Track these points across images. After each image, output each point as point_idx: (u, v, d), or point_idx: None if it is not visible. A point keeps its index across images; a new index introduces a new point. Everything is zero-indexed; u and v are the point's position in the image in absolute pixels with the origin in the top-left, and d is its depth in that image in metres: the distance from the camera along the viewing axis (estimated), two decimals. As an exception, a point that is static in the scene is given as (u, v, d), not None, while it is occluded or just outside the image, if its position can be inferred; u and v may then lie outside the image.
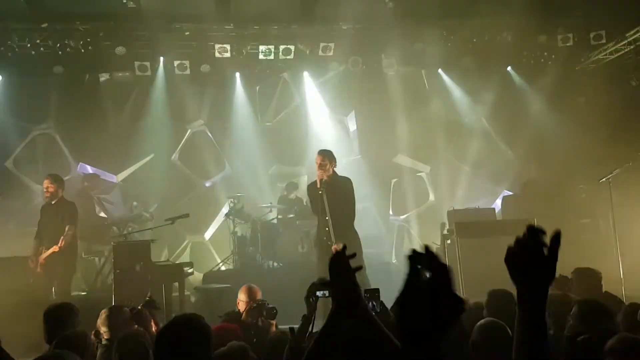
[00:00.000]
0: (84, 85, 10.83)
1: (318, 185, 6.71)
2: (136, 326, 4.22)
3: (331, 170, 6.82)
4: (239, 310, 4.89)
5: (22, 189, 10.43)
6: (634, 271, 7.54)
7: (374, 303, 3.18)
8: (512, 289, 4.34)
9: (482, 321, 3.40)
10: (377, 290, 3.24)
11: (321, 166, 6.71)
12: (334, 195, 6.66)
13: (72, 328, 3.87)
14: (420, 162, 11.88)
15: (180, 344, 2.58)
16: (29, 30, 10.05)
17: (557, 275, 4.75)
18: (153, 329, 4.37)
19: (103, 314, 4.24)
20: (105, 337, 4.02)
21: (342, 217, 6.70)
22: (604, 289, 4.95)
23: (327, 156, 6.82)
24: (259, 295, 4.92)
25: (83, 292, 8.86)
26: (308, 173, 11.63)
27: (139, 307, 4.56)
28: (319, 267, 6.81)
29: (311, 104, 11.72)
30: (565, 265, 5.36)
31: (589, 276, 4.89)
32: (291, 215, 9.93)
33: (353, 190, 6.96)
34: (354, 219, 6.94)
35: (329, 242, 6.54)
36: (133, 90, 11.10)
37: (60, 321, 3.92)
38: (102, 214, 10.05)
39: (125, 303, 4.98)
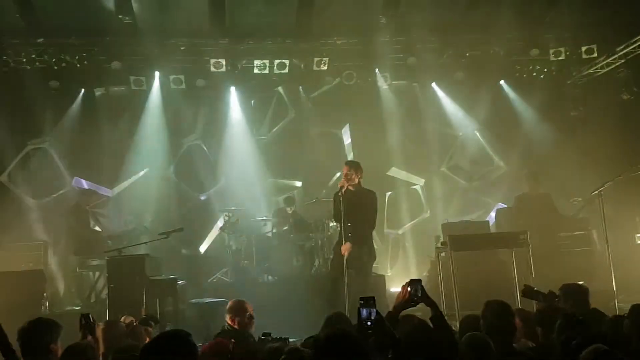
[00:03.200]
0: (79, 99, 10.85)
1: (340, 193, 7.16)
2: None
3: (356, 180, 7.25)
4: (231, 326, 4.84)
5: (16, 203, 10.40)
6: (627, 284, 7.58)
7: (370, 311, 3.20)
8: (507, 299, 4.38)
9: (467, 338, 3.44)
10: (372, 298, 3.26)
11: (346, 176, 7.19)
12: (355, 204, 7.10)
13: (49, 344, 3.71)
14: (415, 175, 11.91)
15: None
16: (24, 45, 10.10)
17: (546, 291, 4.81)
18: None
19: (99, 327, 4.24)
20: (102, 350, 4.02)
21: (359, 225, 7.15)
22: (595, 303, 4.96)
23: (352, 167, 7.31)
24: (250, 310, 4.88)
25: (77, 306, 8.83)
26: (303, 186, 11.67)
27: (135, 324, 4.57)
28: (331, 265, 7.53)
29: (306, 117, 11.77)
30: (558, 279, 5.44)
31: (576, 292, 4.89)
32: (285, 228, 9.94)
33: (375, 202, 7.38)
34: (372, 228, 7.40)
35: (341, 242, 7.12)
36: (128, 104, 11.12)
37: (34, 337, 3.73)
38: (97, 228, 10.03)
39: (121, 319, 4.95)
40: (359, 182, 7.30)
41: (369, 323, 3.16)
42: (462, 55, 11.19)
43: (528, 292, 5.33)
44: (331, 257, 7.78)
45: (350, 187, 7.19)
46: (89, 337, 3.95)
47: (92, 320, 4.05)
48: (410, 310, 3.73)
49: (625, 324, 3.84)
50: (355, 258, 7.09)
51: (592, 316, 4.45)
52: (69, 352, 3.53)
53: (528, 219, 8.81)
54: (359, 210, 7.16)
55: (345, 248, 7.02)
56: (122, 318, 4.84)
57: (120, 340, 4.20)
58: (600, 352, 2.66)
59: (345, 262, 6.98)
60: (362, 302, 3.24)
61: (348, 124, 11.96)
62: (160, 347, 2.64)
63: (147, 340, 4.47)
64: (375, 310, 3.20)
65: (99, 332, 4.17)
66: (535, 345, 4.13)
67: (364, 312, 3.20)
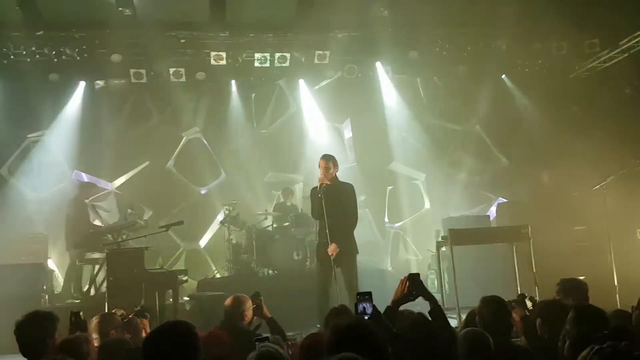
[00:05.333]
0: (79, 92, 10.81)
1: (319, 188, 6.84)
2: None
3: (334, 174, 6.97)
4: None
5: (16, 196, 10.39)
6: (629, 278, 7.55)
7: (365, 305, 3.18)
8: (505, 293, 4.35)
9: (465, 334, 3.40)
10: (369, 294, 3.24)
11: (325, 169, 6.86)
12: (335, 200, 6.80)
13: (47, 338, 3.65)
14: (416, 170, 11.89)
15: (166, 350, 2.57)
16: (24, 37, 10.02)
17: (546, 286, 4.65)
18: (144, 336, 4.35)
19: (94, 320, 4.23)
20: (96, 343, 4.00)
21: (342, 221, 6.86)
22: (596, 299, 4.89)
23: (330, 160, 6.97)
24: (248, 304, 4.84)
25: (77, 299, 8.82)
26: (304, 180, 11.63)
27: (130, 316, 4.55)
28: (318, 267, 7.11)
29: (307, 111, 11.73)
30: (559, 273, 5.39)
31: (575, 287, 4.75)
32: (286, 223, 9.91)
33: (355, 195, 7.11)
34: (355, 224, 7.08)
35: (327, 244, 6.74)
36: (128, 97, 11.10)
37: (31, 331, 3.66)
38: (97, 222, 10.01)
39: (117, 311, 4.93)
40: (335, 176, 7.01)
41: (365, 318, 3.15)
42: (463, 49, 11.12)
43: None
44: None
45: (328, 182, 6.87)
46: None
47: (82, 318, 4.03)
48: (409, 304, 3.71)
49: (635, 315, 3.80)
50: (343, 255, 6.83)
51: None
52: (64, 346, 3.49)
53: (529, 213, 8.80)
54: (341, 206, 6.88)
55: (333, 249, 6.72)
56: (113, 311, 4.83)
57: (116, 332, 4.20)
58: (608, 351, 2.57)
59: (332, 262, 6.75)
60: (358, 297, 3.22)
61: (349, 118, 11.93)
62: (164, 337, 2.64)
63: (144, 332, 4.46)
64: (371, 305, 3.18)
65: (91, 328, 4.16)
66: (535, 340, 4.07)
67: (360, 307, 3.18)
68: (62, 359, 3.28)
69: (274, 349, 2.98)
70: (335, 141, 11.78)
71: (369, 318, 3.15)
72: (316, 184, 7.05)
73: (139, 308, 4.77)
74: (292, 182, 11.60)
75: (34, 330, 3.64)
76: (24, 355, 3.66)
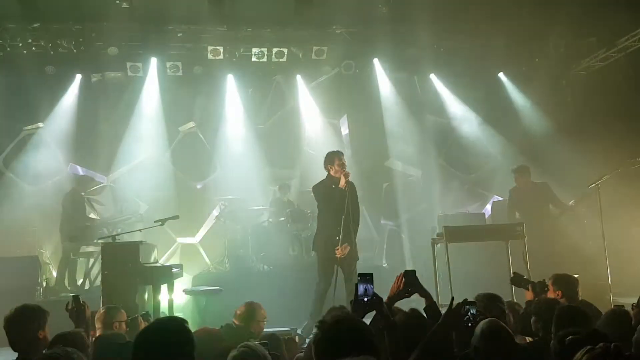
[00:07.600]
0: (75, 85, 10.76)
1: (342, 184, 6.73)
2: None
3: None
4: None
5: (11, 188, 10.36)
6: (623, 278, 7.58)
7: (367, 287, 3.16)
8: (499, 291, 4.35)
9: (483, 324, 3.32)
10: (370, 275, 3.22)
11: (345, 166, 6.84)
12: (350, 198, 6.75)
13: (37, 331, 3.62)
14: (412, 167, 11.90)
15: (158, 346, 2.54)
16: (21, 29, 9.97)
17: (537, 280, 4.71)
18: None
19: (101, 310, 4.29)
20: (99, 333, 4.04)
21: (354, 222, 6.86)
22: (590, 297, 4.93)
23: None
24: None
25: (71, 293, 8.80)
26: (300, 176, 11.63)
27: (136, 315, 4.62)
28: (323, 270, 6.89)
29: (304, 107, 11.71)
30: (553, 271, 5.41)
31: (566, 282, 4.85)
32: (282, 218, 9.91)
33: None
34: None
35: (337, 242, 6.64)
36: (125, 91, 11.05)
37: (21, 325, 3.63)
38: (92, 215, 10.00)
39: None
40: None
41: (365, 299, 3.13)
42: (461, 46, 11.12)
43: (517, 280, 5.27)
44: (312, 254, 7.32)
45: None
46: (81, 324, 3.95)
47: (81, 302, 4.02)
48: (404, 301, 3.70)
49: (636, 313, 3.81)
50: (348, 259, 6.76)
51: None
52: (58, 339, 3.47)
53: (520, 212, 8.82)
54: (355, 205, 6.85)
55: (344, 249, 6.65)
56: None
57: (119, 326, 4.25)
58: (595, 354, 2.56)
59: (338, 262, 6.71)
60: (360, 277, 3.20)
61: (346, 114, 11.92)
62: (157, 333, 2.62)
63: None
64: (372, 286, 3.16)
65: (97, 317, 4.19)
66: (531, 340, 4.09)
67: (361, 287, 3.16)
68: (62, 349, 3.26)
69: (253, 347, 2.96)
70: (332, 137, 11.77)
71: (368, 300, 3.13)
72: (312, 180, 6.99)
73: (145, 312, 4.83)
74: (288, 178, 11.59)
75: (23, 325, 3.61)
76: (15, 350, 3.63)
